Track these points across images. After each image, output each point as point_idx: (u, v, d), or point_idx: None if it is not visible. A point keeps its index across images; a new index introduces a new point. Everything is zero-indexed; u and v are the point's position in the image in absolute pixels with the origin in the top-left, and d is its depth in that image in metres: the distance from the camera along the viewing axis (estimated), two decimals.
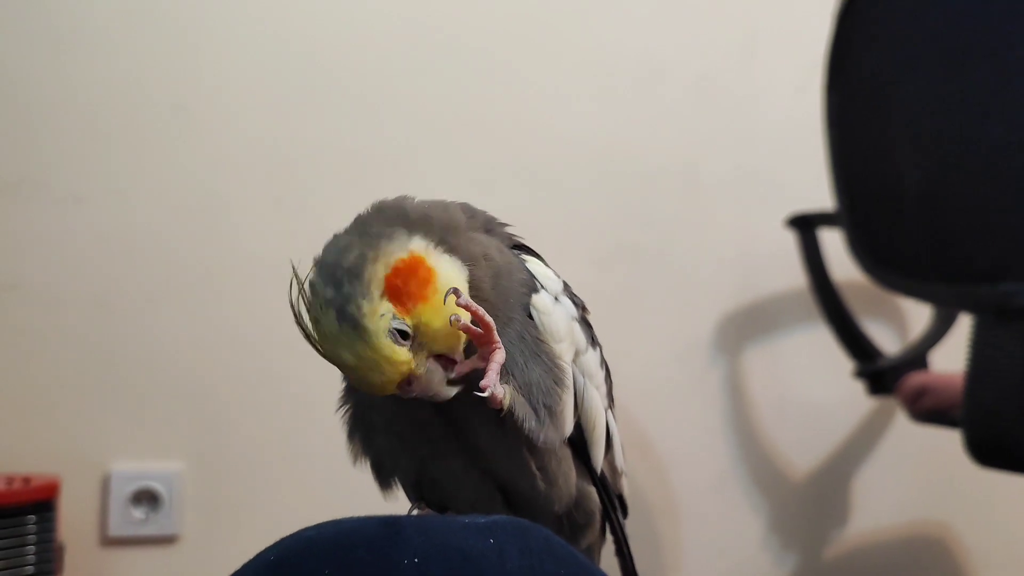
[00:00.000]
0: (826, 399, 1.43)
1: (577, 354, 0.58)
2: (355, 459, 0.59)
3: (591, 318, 0.62)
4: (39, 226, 1.20)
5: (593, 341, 0.61)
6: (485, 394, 0.49)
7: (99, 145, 1.22)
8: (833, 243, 1.19)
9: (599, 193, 1.37)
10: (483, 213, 0.59)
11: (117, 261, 1.21)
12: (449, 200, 0.57)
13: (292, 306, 0.50)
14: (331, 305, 0.48)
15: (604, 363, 0.63)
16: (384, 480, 0.59)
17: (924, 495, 1.47)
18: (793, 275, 1.35)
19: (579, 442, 0.59)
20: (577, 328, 0.59)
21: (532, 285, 0.56)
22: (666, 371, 1.39)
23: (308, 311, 0.49)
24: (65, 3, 1.22)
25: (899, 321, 1.48)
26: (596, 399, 0.59)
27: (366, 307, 0.48)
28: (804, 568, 1.42)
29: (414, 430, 0.55)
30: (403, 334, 0.48)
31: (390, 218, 0.52)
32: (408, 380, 0.49)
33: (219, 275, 1.24)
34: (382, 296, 0.48)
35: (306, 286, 0.49)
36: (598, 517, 0.63)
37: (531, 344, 0.54)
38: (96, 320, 1.20)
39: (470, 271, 0.53)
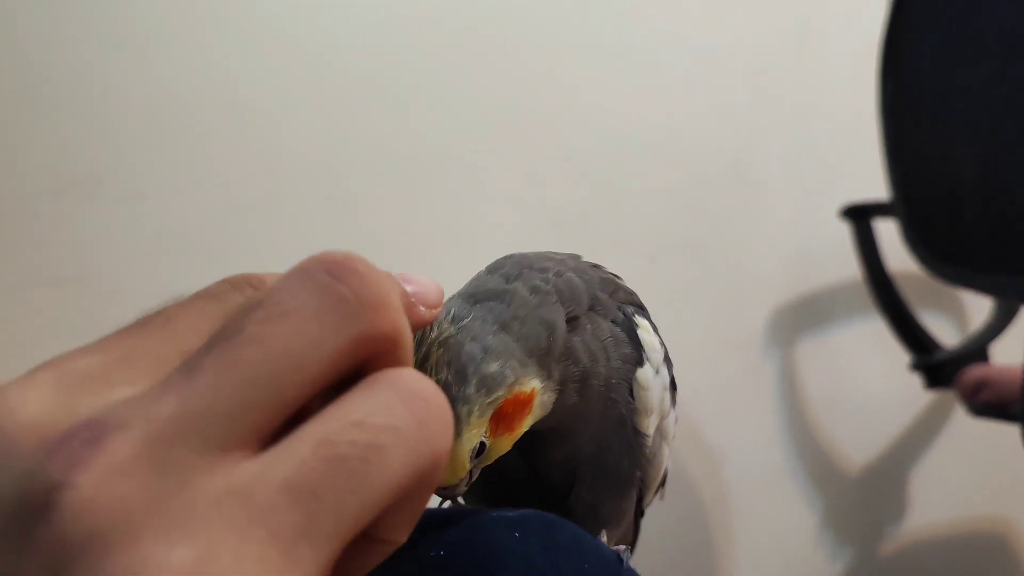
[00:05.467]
0: (882, 393, 1.41)
1: (661, 419, 0.57)
2: None
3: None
4: (103, 222, 1.23)
5: (674, 400, 0.59)
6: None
7: (159, 144, 1.25)
8: (889, 233, 1.17)
9: (651, 186, 1.37)
10: (596, 275, 0.54)
11: (176, 256, 1.25)
12: (568, 272, 0.52)
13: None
14: (446, 388, 0.44)
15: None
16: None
17: (983, 490, 1.44)
18: (848, 266, 1.33)
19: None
20: (667, 397, 0.57)
21: (638, 359, 0.54)
22: (719, 364, 1.38)
23: (426, 348, 0.44)
24: (125, 2, 1.25)
25: (958, 313, 1.45)
26: (665, 453, 0.58)
27: (474, 420, 0.45)
28: (859, 564, 1.40)
29: (493, 475, 0.54)
30: (480, 448, 0.47)
31: (538, 323, 0.48)
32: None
33: (274, 271, 1.26)
34: (491, 416, 0.46)
35: (444, 324, 0.45)
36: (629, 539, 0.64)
37: (629, 433, 0.53)
38: None
39: (558, 394, 0.49)
